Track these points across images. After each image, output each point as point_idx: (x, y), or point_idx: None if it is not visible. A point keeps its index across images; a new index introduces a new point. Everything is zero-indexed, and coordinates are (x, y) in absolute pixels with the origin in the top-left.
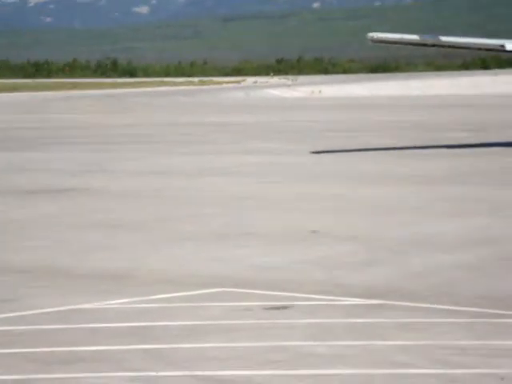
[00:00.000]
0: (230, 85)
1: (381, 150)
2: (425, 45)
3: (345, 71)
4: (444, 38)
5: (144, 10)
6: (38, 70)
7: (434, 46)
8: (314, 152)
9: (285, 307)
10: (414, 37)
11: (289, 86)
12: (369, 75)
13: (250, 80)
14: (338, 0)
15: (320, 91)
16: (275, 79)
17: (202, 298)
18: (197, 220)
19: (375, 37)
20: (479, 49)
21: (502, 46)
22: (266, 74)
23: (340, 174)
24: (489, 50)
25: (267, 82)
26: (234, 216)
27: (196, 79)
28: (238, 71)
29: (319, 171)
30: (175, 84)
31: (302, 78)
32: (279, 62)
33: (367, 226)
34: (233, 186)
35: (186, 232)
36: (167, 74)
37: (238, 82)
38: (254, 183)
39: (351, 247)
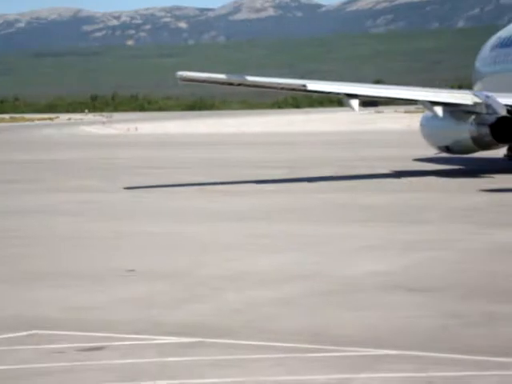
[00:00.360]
0: (43, 122)
1: (193, 185)
2: (231, 84)
3: (161, 108)
4: (250, 78)
5: None
6: None
7: (240, 84)
8: (127, 188)
9: (99, 348)
10: (222, 76)
11: (104, 123)
12: (185, 113)
13: (63, 117)
14: (151, 37)
15: (136, 128)
16: (90, 116)
17: (12, 342)
18: (9, 260)
19: (184, 75)
20: (282, 88)
21: (304, 85)
22: (81, 110)
23: (154, 211)
24: (292, 89)
25: (82, 119)
26: (51, 256)
27: (7, 116)
28: (52, 108)
29: (133, 208)
30: None
31: (117, 115)
32: (94, 98)
33: (184, 263)
34: (49, 224)
35: None
36: None
37: (51, 119)
38: (70, 222)
39: (168, 285)
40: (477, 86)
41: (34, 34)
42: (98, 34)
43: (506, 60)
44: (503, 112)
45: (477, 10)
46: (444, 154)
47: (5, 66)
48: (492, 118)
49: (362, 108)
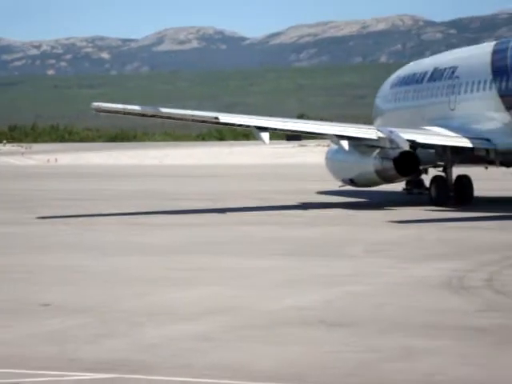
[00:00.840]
0: None
1: (112, 216)
2: (145, 115)
3: (82, 139)
4: (164, 109)
5: None
6: None
7: (153, 116)
8: (44, 219)
9: None
10: (136, 107)
11: (22, 153)
12: (107, 144)
13: None
14: (73, 67)
15: (56, 159)
16: (8, 147)
17: None
18: None
19: (99, 106)
20: (195, 120)
21: (216, 118)
22: None
23: (71, 244)
24: (204, 121)
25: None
26: None
27: None
28: None
29: (49, 240)
30: None
31: (37, 146)
32: (12, 129)
33: (101, 297)
34: None
35: None
36: None
37: None
38: None
39: (84, 319)
40: (377, 122)
41: None
42: (18, 64)
43: (406, 97)
44: (406, 147)
45: (399, 46)
46: (348, 187)
47: None
48: (395, 153)
49: (287, 142)
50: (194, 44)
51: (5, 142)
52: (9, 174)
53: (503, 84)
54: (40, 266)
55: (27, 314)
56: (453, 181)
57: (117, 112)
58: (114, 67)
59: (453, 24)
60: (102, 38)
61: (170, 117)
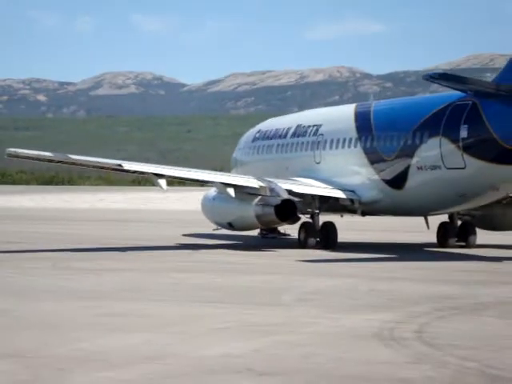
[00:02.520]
0: None
1: (42, 259)
2: (52, 161)
3: (15, 182)
4: (73, 156)
5: None
6: None
7: (61, 162)
8: None
9: None
10: (48, 154)
11: None
12: (40, 187)
13: None
14: (8, 109)
15: None
16: None
17: None
18: None
19: (15, 152)
20: (101, 167)
21: (120, 165)
22: None
23: (12, 289)
24: (108, 168)
25: None
26: None
27: None
28: None
29: None
30: None
31: None
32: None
33: (28, 343)
34: None
35: None
36: None
37: None
38: None
39: (10, 366)
40: (237, 172)
41: None
42: None
43: (269, 150)
44: (285, 195)
45: (336, 97)
46: (221, 231)
47: None
48: (277, 200)
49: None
50: (132, 89)
51: None
52: None
53: (368, 142)
54: None
55: None
56: (319, 226)
57: (30, 158)
58: (50, 110)
59: (389, 77)
60: (38, 80)
61: (77, 163)
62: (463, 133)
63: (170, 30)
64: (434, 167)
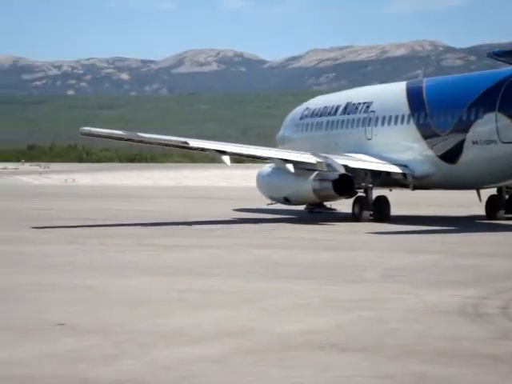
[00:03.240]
0: None
1: (128, 237)
2: (122, 139)
3: (99, 160)
4: (141, 134)
5: None
6: None
7: (130, 140)
8: (59, 240)
9: None
10: (118, 132)
11: (40, 173)
12: (124, 165)
13: None
14: (92, 88)
15: (73, 179)
16: (26, 166)
17: None
18: None
19: (86, 131)
20: (167, 145)
21: (186, 142)
22: (17, 160)
23: (86, 264)
24: (175, 146)
25: (17, 168)
26: None
27: None
28: None
29: (64, 260)
30: None
31: (54, 166)
32: (31, 148)
33: (115, 317)
34: None
35: None
36: None
37: None
38: (2, 272)
39: (97, 340)
40: (285, 149)
41: None
42: (38, 83)
43: (319, 128)
44: (342, 170)
45: (418, 72)
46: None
47: None
48: (335, 175)
49: None
50: (214, 66)
51: (23, 161)
52: (26, 194)
53: (421, 118)
54: (52, 284)
55: (41, 334)
56: (372, 200)
57: (103, 136)
58: (133, 88)
59: (472, 50)
60: (122, 60)
61: (145, 141)
62: None
63: (252, 6)
64: (489, 142)
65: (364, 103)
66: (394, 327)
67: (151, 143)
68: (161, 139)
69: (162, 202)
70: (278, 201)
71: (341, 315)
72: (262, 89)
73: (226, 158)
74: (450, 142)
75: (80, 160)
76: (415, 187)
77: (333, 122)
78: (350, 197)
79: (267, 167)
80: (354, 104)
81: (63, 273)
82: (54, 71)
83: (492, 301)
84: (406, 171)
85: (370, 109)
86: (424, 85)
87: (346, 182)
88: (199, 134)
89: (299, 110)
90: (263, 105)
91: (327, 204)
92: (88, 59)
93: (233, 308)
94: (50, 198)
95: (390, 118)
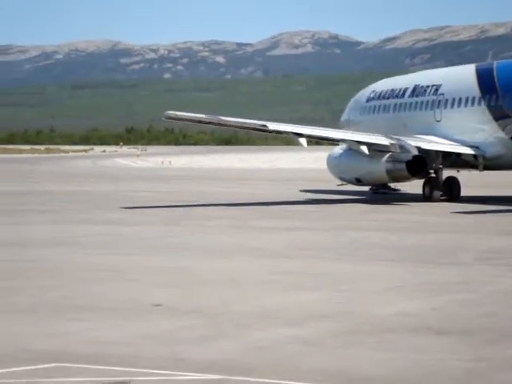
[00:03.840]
0: (77, 153)
1: (223, 219)
2: (202, 122)
3: (195, 142)
4: (221, 117)
5: None
6: None
7: (210, 123)
8: (156, 221)
9: (123, 382)
10: (202, 116)
11: (138, 155)
12: (220, 147)
13: (98, 149)
14: (189, 71)
15: (170, 162)
16: (124, 149)
17: (32, 374)
18: (35, 292)
19: (171, 114)
20: (246, 128)
21: (265, 125)
22: (115, 143)
23: (181, 245)
24: (255, 129)
25: (116, 151)
26: (73, 288)
27: (42, 147)
28: (87, 140)
29: (160, 242)
30: (20, 151)
31: (152, 148)
32: (129, 131)
33: (210, 299)
34: (71, 257)
35: (20, 304)
36: (10, 142)
37: (86, 150)
38: (93, 254)
39: (193, 321)
40: (352, 130)
41: (71, 66)
42: (136, 67)
43: (387, 110)
44: (415, 152)
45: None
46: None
47: (42, 98)
48: (408, 156)
49: None
50: (309, 48)
51: (121, 144)
52: (124, 176)
53: (492, 100)
54: (150, 267)
55: (138, 314)
56: (442, 181)
57: (186, 119)
58: (228, 71)
59: None
60: (217, 43)
61: (226, 124)
62: None
63: None
64: None
65: (432, 86)
66: (491, 310)
67: (231, 126)
68: (240, 122)
69: (257, 184)
70: (349, 181)
71: (435, 298)
72: (356, 70)
73: (303, 141)
74: None
75: (176, 143)
76: (485, 168)
77: (401, 104)
78: (423, 178)
79: (338, 149)
80: (422, 87)
81: (160, 254)
82: (151, 55)
83: None
84: (478, 152)
85: (439, 91)
86: (495, 67)
87: (419, 163)
88: (293, 116)
89: (365, 92)
90: (358, 87)
91: (391, 185)
92: (184, 42)
93: (326, 290)
94: (147, 180)
95: (460, 100)
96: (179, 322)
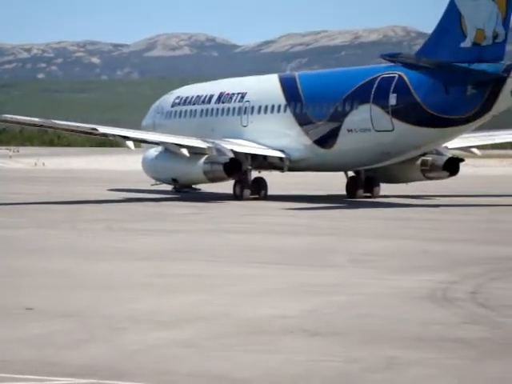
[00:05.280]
0: None
1: (98, 220)
2: (36, 125)
3: (70, 144)
4: (54, 121)
5: None
6: None
7: (42, 126)
8: (29, 224)
9: None
10: (36, 119)
11: (10, 156)
12: (94, 149)
13: None
14: (63, 72)
15: (43, 163)
16: None
17: None
18: None
19: (12, 118)
20: (77, 131)
21: (94, 129)
22: None
23: (57, 248)
24: (85, 132)
25: None
26: None
27: None
28: None
29: (35, 245)
30: None
31: (24, 149)
32: (1, 132)
33: (85, 302)
34: None
35: None
36: None
37: None
38: None
39: (67, 324)
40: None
41: None
42: (8, 67)
43: (194, 115)
44: (231, 154)
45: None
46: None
47: None
48: (225, 159)
49: None
50: (186, 51)
51: None
52: None
53: (297, 107)
54: (23, 269)
55: (10, 318)
56: (251, 181)
57: (21, 123)
58: (104, 72)
59: None
60: (93, 43)
61: (53, 127)
62: (392, 100)
63: None
64: (363, 130)
65: (238, 93)
66: (364, 312)
67: (63, 129)
68: (71, 125)
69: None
70: (164, 181)
71: (311, 300)
72: (234, 74)
73: (130, 143)
74: (323, 129)
75: (51, 144)
76: (290, 169)
77: (207, 109)
78: (238, 178)
79: (152, 151)
80: (228, 94)
81: (35, 257)
82: (24, 54)
83: (461, 285)
84: (284, 155)
85: (245, 98)
86: (297, 78)
87: (235, 165)
88: None
89: (169, 98)
90: None
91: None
92: (58, 42)
93: (203, 293)
94: (20, 182)
95: (267, 107)
96: (52, 325)
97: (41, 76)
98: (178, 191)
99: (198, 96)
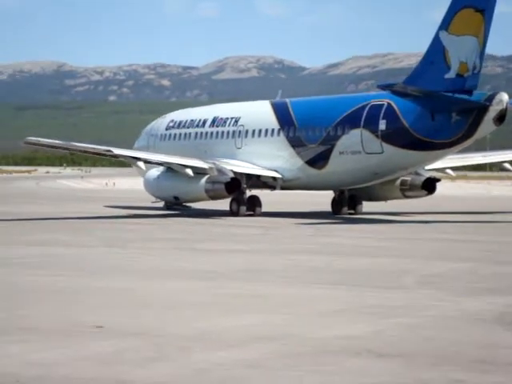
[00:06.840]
0: (20, 174)
1: (168, 241)
2: (56, 147)
3: None
4: (73, 143)
5: None
6: None
7: (66, 149)
8: (99, 243)
9: None
10: (58, 142)
11: (82, 177)
12: None
13: (41, 170)
14: (134, 93)
15: (114, 183)
16: (68, 170)
17: None
18: None
19: (29, 140)
20: (94, 153)
21: (109, 150)
22: (59, 164)
23: (125, 267)
24: (100, 154)
25: (60, 172)
26: (14, 310)
27: None
28: (30, 161)
29: (104, 263)
30: None
31: (95, 170)
32: (73, 153)
33: (152, 321)
34: (12, 278)
35: None
36: None
37: (29, 171)
38: (36, 275)
39: (135, 343)
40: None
41: (16, 87)
42: (81, 89)
43: (188, 138)
44: (231, 174)
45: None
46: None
47: None
48: (227, 178)
49: None
50: (254, 73)
51: (65, 165)
52: (68, 197)
53: (290, 131)
54: (90, 288)
55: (80, 336)
56: (246, 199)
57: (45, 145)
58: (174, 94)
59: None
60: (163, 66)
61: (76, 150)
62: (382, 125)
63: (292, 13)
64: (354, 152)
65: (232, 118)
66: (432, 334)
67: (81, 151)
68: (87, 147)
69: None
70: (165, 199)
71: (378, 321)
72: (301, 95)
73: (141, 164)
74: (317, 150)
75: (120, 165)
76: (283, 188)
77: (201, 133)
78: (237, 196)
79: (155, 170)
80: (222, 118)
81: (102, 276)
82: (97, 77)
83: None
84: (277, 175)
85: (239, 123)
86: (289, 104)
87: (235, 184)
88: None
89: (163, 121)
90: None
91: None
92: (130, 65)
93: (268, 313)
94: (90, 202)
95: (260, 130)
96: (120, 343)
97: (112, 98)
98: (170, 208)
99: (191, 120)
